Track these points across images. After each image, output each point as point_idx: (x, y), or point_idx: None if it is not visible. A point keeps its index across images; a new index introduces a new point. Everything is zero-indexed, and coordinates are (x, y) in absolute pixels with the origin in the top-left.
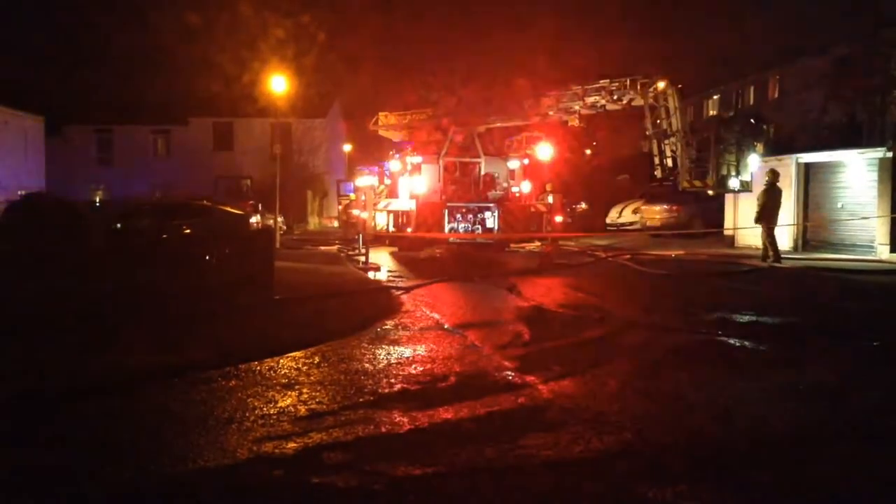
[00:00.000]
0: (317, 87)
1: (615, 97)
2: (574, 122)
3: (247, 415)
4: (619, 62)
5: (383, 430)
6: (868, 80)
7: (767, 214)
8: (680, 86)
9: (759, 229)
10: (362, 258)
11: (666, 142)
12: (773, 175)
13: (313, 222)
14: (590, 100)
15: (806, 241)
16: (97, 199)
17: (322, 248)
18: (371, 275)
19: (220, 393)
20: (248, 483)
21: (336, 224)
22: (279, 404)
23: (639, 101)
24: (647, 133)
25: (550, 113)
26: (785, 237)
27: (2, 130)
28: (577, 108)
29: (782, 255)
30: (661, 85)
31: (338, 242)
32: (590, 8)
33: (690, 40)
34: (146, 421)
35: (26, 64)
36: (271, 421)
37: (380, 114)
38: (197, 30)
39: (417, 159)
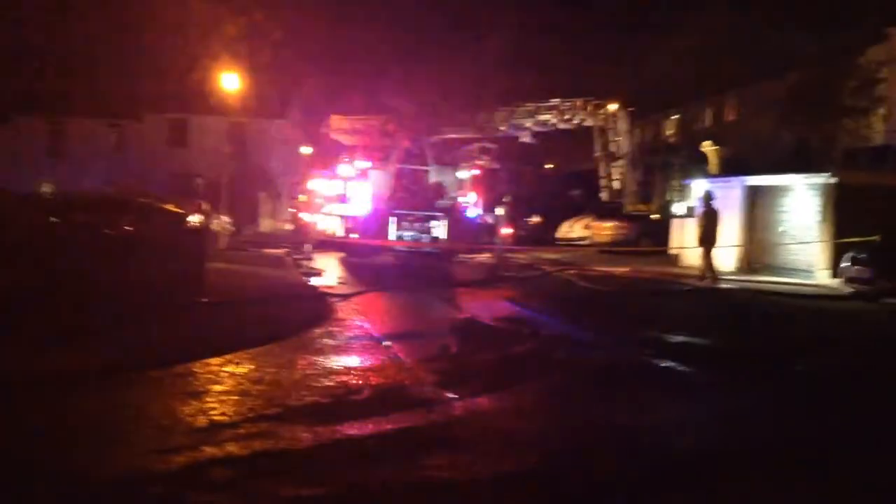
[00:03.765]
0: (276, 88)
1: (566, 117)
2: (525, 138)
3: (140, 425)
4: (575, 80)
5: (281, 445)
6: (820, 107)
7: (707, 236)
8: (632, 109)
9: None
10: (309, 262)
11: (613, 164)
12: (708, 196)
13: (267, 224)
14: (541, 118)
15: (749, 263)
16: (37, 192)
17: (268, 250)
18: (312, 280)
19: (116, 400)
20: (117, 500)
21: (289, 227)
22: (178, 414)
23: (590, 122)
24: (596, 154)
25: (502, 128)
26: (729, 258)
27: None
28: (528, 124)
29: (722, 276)
30: (612, 107)
31: (287, 246)
32: (549, 25)
33: (651, 59)
34: (24, 428)
35: None
36: (164, 433)
37: (332, 116)
38: (154, 24)
39: (365, 164)
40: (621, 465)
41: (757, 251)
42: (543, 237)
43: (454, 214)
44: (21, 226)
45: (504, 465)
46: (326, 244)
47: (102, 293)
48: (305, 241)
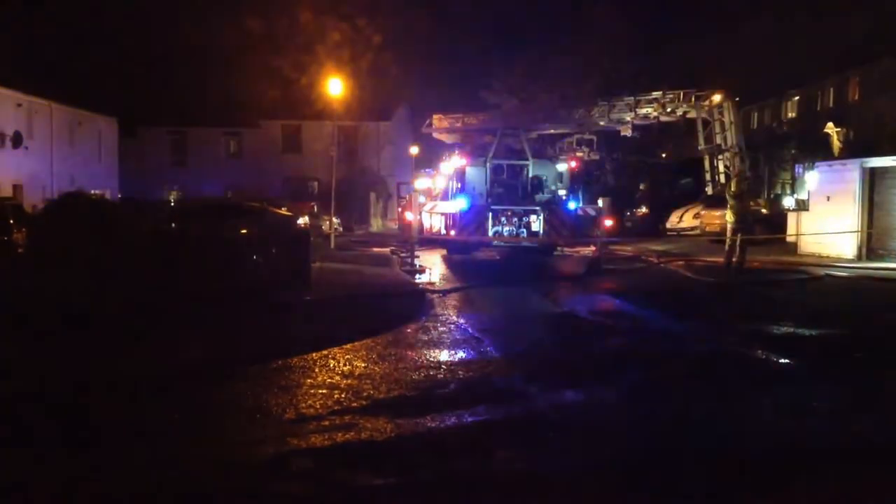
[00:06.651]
0: (383, 91)
1: (668, 109)
2: (627, 132)
3: (233, 418)
4: (683, 66)
5: (363, 437)
6: None
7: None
8: (737, 98)
9: (823, 237)
10: (413, 260)
11: (719, 157)
12: (744, 177)
13: (376, 224)
14: (642, 111)
15: (871, 248)
16: (160, 200)
17: (375, 249)
18: (415, 277)
19: (216, 394)
20: (200, 488)
21: (397, 226)
22: (269, 407)
23: (693, 114)
24: (699, 148)
25: (602, 123)
26: (848, 245)
27: (75, 131)
28: (628, 118)
29: (842, 265)
30: (716, 98)
31: (394, 244)
32: (649, 15)
33: (768, 38)
34: (130, 423)
35: (100, 67)
36: (254, 425)
37: (434, 116)
38: (267, 34)
39: (463, 162)
40: (699, 461)
41: (881, 237)
42: (651, 228)
43: (553, 208)
44: (136, 233)
45: (577, 459)
46: (430, 242)
47: (213, 293)
48: (410, 240)
